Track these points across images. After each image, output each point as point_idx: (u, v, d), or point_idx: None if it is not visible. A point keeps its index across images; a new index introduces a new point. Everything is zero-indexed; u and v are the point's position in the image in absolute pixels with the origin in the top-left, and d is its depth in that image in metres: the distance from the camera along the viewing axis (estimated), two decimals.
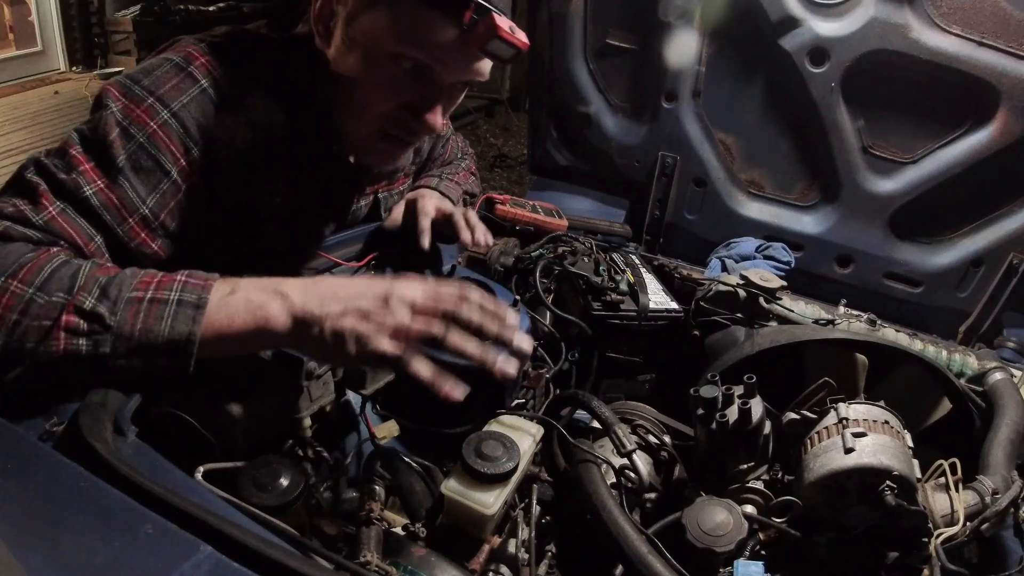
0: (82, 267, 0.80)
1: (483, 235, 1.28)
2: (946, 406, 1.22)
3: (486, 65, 1.01)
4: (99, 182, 0.88)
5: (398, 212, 1.35)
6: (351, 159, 1.17)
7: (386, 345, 0.80)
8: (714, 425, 1.01)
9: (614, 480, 0.99)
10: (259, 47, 1.04)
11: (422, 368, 0.81)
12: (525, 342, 0.86)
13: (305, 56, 1.04)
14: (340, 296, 0.82)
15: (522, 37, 0.95)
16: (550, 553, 0.95)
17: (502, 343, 0.85)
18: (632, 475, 0.99)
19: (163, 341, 0.77)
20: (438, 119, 1.03)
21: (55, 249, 0.83)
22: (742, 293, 1.38)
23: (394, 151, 1.13)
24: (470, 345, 0.83)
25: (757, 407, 1.00)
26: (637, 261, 1.54)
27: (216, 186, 0.99)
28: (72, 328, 0.75)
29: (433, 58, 0.96)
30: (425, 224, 1.26)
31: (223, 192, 1.00)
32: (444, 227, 1.29)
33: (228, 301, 0.80)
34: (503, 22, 0.92)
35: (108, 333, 0.76)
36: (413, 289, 0.83)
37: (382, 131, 1.06)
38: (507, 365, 0.83)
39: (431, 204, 1.30)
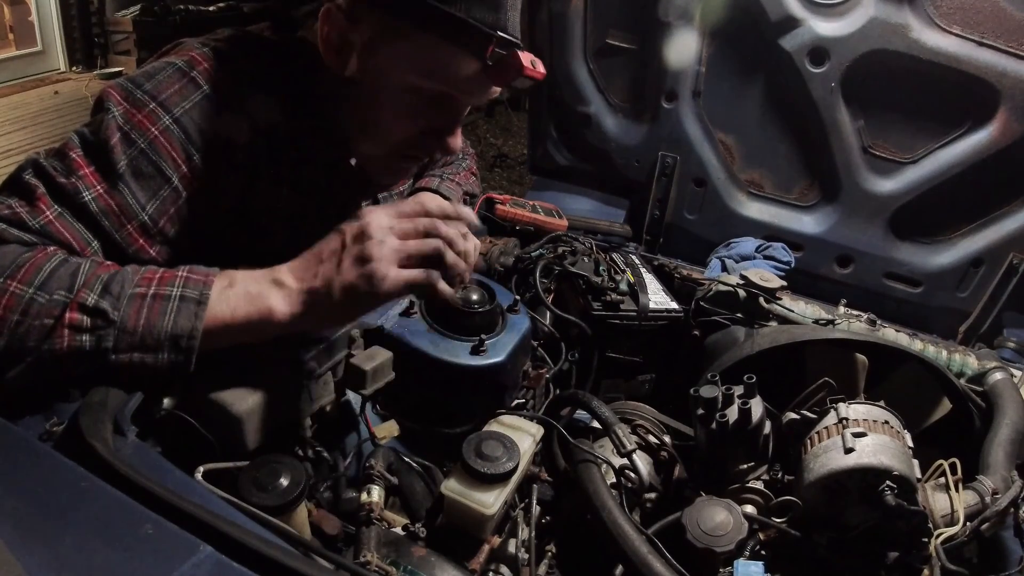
0: (82, 265, 0.80)
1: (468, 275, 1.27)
2: (946, 406, 1.22)
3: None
4: (98, 187, 0.87)
5: None
6: (352, 162, 1.17)
7: (399, 272, 0.84)
8: (714, 425, 1.01)
9: (614, 480, 0.99)
10: (262, 50, 1.03)
11: (444, 286, 0.87)
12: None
13: (308, 60, 1.03)
14: (324, 256, 0.85)
15: (541, 68, 0.95)
16: (550, 553, 0.95)
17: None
18: (632, 475, 0.99)
19: (166, 336, 0.78)
20: (459, 141, 1.05)
21: (52, 248, 0.83)
22: (742, 293, 1.38)
23: (408, 169, 1.16)
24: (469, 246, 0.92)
25: (757, 407, 1.00)
26: (637, 261, 1.54)
27: (217, 191, 0.98)
28: (76, 325, 0.76)
29: (455, 90, 0.97)
30: None
31: (224, 197, 1.00)
32: None
33: (228, 294, 0.82)
34: (525, 58, 0.92)
35: (111, 328, 0.77)
36: (380, 216, 0.87)
37: (400, 152, 1.07)
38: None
39: None
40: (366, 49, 0.96)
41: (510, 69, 0.93)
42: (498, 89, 1.02)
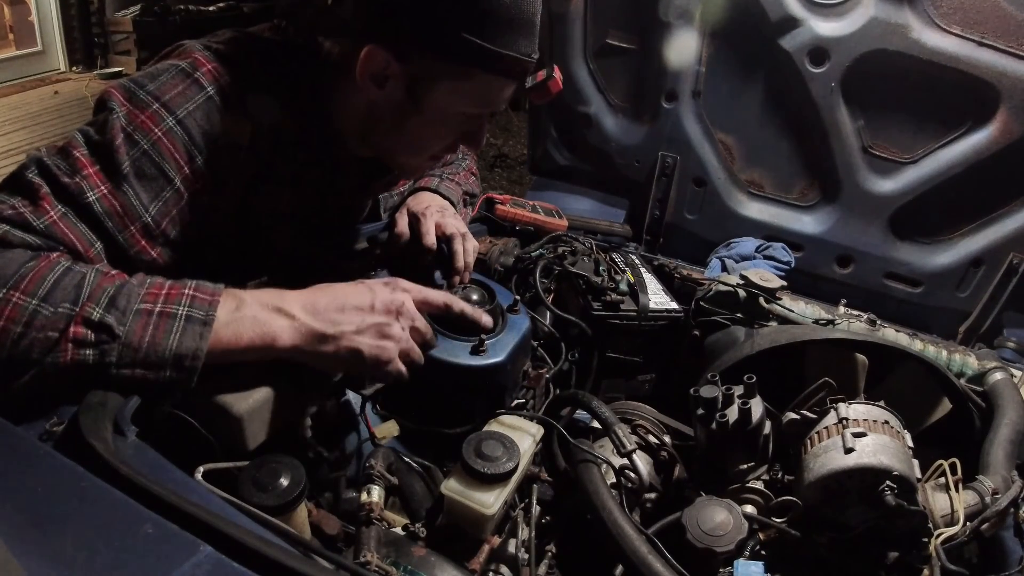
0: (87, 275, 0.79)
1: (467, 275, 1.28)
2: (946, 406, 1.22)
3: None
4: (102, 188, 0.87)
5: (403, 223, 1.34)
6: (358, 157, 1.18)
7: (399, 364, 0.91)
8: (714, 425, 1.01)
9: (614, 480, 0.99)
10: (264, 52, 1.03)
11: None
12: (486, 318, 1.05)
13: (311, 61, 1.03)
14: (347, 308, 0.88)
15: (560, 78, 1.07)
16: (550, 553, 0.94)
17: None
18: (632, 475, 0.99)
19: (170, 355, 0.78)
20: (484, 138, 1.14)
21: (55, 255, 0.82)
22: (742, 293, 1.38)
23: (433, 165, 1.36)
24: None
25: (757, 407, 1.00)
26: (637, 261, 1.54)
27: (219, 192, 0.98)
28: (80, 339, 0.75)
29: (494, 109, 1.06)
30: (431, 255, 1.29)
31: (226, 198, 1.00)
32: (441, 245, 1.29)
33: (234, 319, 0.82)
34: (559, 77, 1.06)
35: (116, 343, 0.76)
36: (412, 301, 0.93)
37: (434, 156, 1.16)
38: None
39: (432, 225, 1.28)
40: (416, 81, 0.99)
41: (548, 92, 1.06)
42: None
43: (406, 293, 0.94)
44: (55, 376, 0.76)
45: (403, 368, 0.91)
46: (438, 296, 0.99)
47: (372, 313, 0.89)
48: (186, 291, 0.82)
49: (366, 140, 1.11)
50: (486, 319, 1.03)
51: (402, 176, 1.27)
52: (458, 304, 1.00)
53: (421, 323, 0.94)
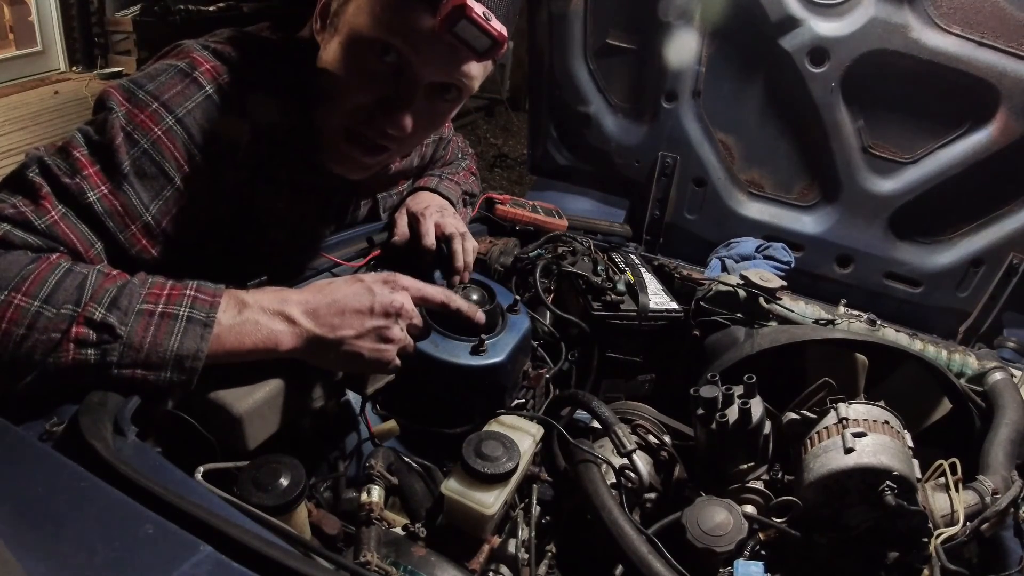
0: (88, 276, 0.80)
1: (467, 275, 1.27)
2: (946, 406, 1.22)
3: (472, 68, 0.98)
4: (103, 187, 0.87)
5: (403, 223, 1.33)
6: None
7: (397, 360, 0.94)
8: (714, 425, 1.00)
9: (614, 480, 0.99)
10: (263, 51, 1.03)
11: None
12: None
13: (309, 59, 1.03)
14: (347, 312, 0.88)
15: (497, 26, 0.91)
16: (550, 553, 0.94)
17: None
18: (632, 475, 0.99)
19: (171, 356, 0.78)
20: (408, 121, 0.99)
21: (55, 256, 0.82)
22: (742, 293, 1.38)
23: (360, 158, 1.06)
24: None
25: (757, 407, 1.00)
26: (637, 261, 1.54)
27: (219, 191, 0.98)
28: (81, 339, 0.76)
29: (408, 45, 0.93)
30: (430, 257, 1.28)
31: (226, 197, 1.00)
32: (441, 244, 1.28)
33: (237, 322, 0.83)
34: (476, 6, 0.88)
35: (117, 343, 0.77)
36: (408, 297, 0.94)
37: (349, 130, 1.02)
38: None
39: (431, 225, 1.28)
40: (338, 8, 0.97)
41: (455, 12, 0.87)
42: (469, 72, 0.98)
43: (405, 292, 0.94)
44: (56, 377, 0.76)
45: (399, 362, 0.95)
46: (436, 293, 1.00)
47: (372, 316, 0.89)
48: (187, 292, 0.82)
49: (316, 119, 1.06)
50: (480, 316, 1.04)
51: (327, 163, 1.09)
52: (455, 301, 1.01)
53: (418, 319, 0.97)
